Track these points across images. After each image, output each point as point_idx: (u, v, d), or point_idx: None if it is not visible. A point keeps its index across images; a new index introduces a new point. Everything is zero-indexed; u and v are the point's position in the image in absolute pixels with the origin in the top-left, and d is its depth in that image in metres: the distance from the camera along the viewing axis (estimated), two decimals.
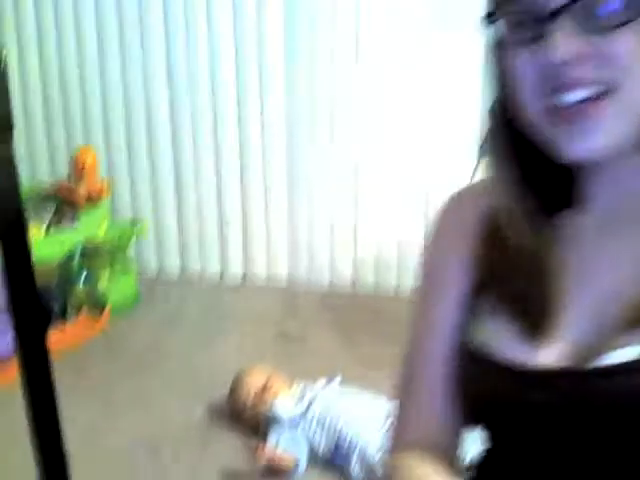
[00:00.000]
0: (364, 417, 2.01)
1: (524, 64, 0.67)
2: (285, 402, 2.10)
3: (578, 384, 0.70)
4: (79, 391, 2.35)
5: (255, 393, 2.16)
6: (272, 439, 2.00)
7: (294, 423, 2.04)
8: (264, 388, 2.16)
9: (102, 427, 2.19)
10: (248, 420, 2.14)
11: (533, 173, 0.77)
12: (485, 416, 0.79)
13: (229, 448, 2.08)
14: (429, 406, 0.84)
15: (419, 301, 0.87)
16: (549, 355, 0.72)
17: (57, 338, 2.62)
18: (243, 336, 2.71)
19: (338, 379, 2.17)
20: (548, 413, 0.72)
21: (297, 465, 1.96)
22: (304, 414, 2.05)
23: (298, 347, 2.61)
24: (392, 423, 0.88)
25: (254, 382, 2.19)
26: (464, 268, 0.81)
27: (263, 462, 1.94)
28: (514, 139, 0.76)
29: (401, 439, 0.86)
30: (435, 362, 0.83)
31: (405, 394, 0.87)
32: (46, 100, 3.16)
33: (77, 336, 2.69)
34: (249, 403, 2.15)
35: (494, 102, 0.75)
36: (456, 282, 0.82)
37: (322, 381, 2.16)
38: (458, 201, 0.86)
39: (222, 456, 2.05)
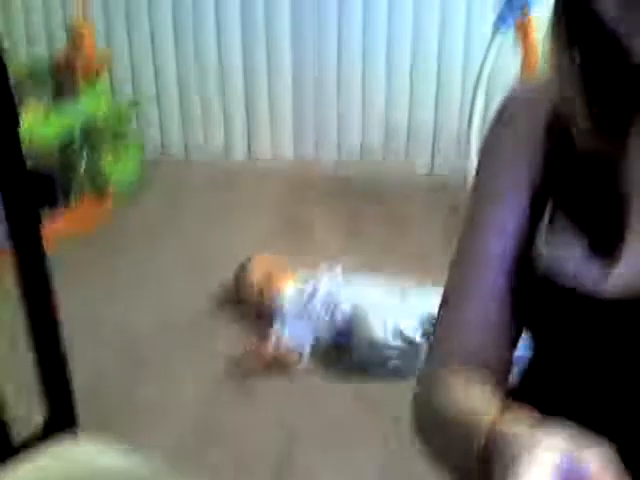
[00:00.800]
0: (369, 301, 2.00)
1: None
2: (289, 292, 2.09)
3: None
4: (82, 280, 2.34)
5: (259, 283, 2.15)
6: (277, 329, 2.00)
7: (299, 312, 2.03)
8: (268, 277, 2.15)
9: (106, 314, 2.19)
10: (253, 308, 2.14)
11: (606, 68, 0.65)
12: (540, 334, 0.73)
13: (234, 335, 2.09)
14: (484, 315, 0.75)
15: (478, 198, 0.78)
16: (618, 282, 0.64)
17: (61, 223, 2.59)
18: (248, 220, 2.67)
19: (339, 266, 2.15)
20: (611, 343, 0.66)
21: (301, 358, 1.96)
22: (308, 302, 2.04)
23: (304, 231, 2.58)
24: (436, 329, 0.80)
25: (258, 272, 2.17)
26: (528, 174, 0.71)
27: (267, 357, 1.95)
28: (586, 23, 0.64)
29: (447, 350, 0.77)
30: (494, 267, 0.74)
31: (456, 298, 0.77)
32: None
33: (81, 220, 2.65)
34: (253, 293, 2.14)
35: None
36: (519, 186, 0.72)
37: (323, 268, 2.14)
38: (523, 99, 0.75)
39: (227, 342, 2.06)
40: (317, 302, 2.03)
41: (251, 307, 2.14)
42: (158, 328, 2.12)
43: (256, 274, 2.17)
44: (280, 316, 2.03)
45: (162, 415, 1.82)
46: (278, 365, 1.96)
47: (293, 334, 1.99)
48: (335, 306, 2.01)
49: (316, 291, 2.05)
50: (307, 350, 1.98)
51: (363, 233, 2.55)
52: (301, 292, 2.07)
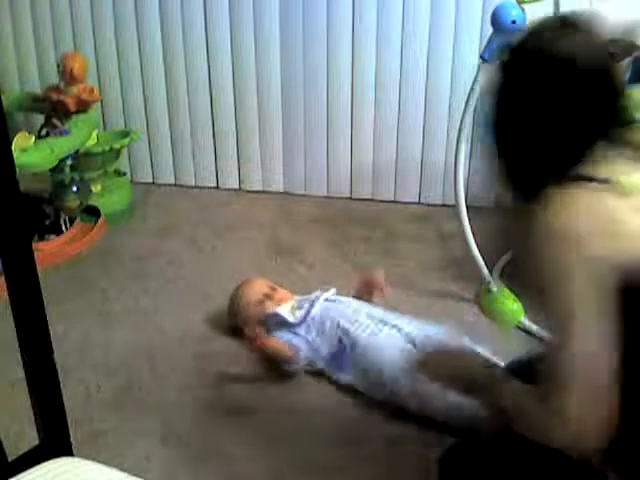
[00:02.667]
0: (362, 321, 2.01)
1: None
2: (285, 309, 2.10)
3: None
4: (74, 302, 2.36)
5: (255, 302, 2.15)
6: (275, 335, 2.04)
7: (294, 329, 2.04)
8: (265, 297, 2.16)
9: (98, 338, 2.20)
10: (248, 328, 2.14)
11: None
12: None
13: (227, 360, 2.09)
14: None
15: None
16: None
17: (51, 249, 2.61)
18: (238, 246, 2.69)
19: (333, 290, 2.16)
20: None
21: (298, 355, 1.97)
22: (303, 321, 2.05)
23: (294, 258, 2.60)
24: None
25: (254, 292, 2.18)
26: None
27: (263, 349, 1.97)
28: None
29: None
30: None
31: None
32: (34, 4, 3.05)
33: (72, 246, 2.67)
34: (249, 313, 2.15)
35: None
36: None
37: (317, 292, 2.15)
38: None
39: (220, 367, 2.06)
40: (312, 321, 2.04)
41: (246, 327, 2.14)
42: (149, 352, 2.13)
43: (252, 295, 2.17)
44: (276, 331, 2.05)
45: (155, 437, 1.82)
46: (275, 358, 1.99)
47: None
48: (330, 324, 2.01)
49: (310, 311, 2.06)
50: (303, 362, 1.99)
51: (352, 260, 2.57)
52: (295, 311, 2.09)
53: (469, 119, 2.33)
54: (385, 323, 1.99)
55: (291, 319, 2.06)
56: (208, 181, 3.17)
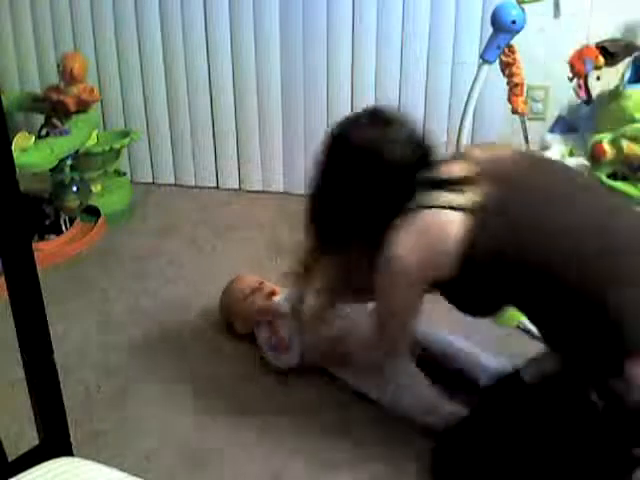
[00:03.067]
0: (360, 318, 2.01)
1: None
2: (279, 300, 2.12)
3: None
4: (74, 302, 2.36)
5: (244, 296, 2.16)
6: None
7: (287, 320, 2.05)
8: (254, 290, 2.16)
9: (98, 338, 2.21)
10: (238, 323, 2.15)
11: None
12: None
13: (225, 356, 2.09)
14: None
15: None
16: None
17: (51, 249, 2.61)
18: (238, 246, 2.69)
19: None
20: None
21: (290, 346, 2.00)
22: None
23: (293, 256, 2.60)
24: None
25: (243, 286, 2.19)
26: None
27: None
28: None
29: None
30: None
31: None
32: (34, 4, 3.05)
33: (72, 246, 2.67)
34: (239, 306, 2.15)
35: None
36: None
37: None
38: None
39: (219, 364, 2.06)
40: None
41: (236, 323, 2.15)
42: (149, 351, 2.13)
43: (242, 287, 2.19)
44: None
45: (155, 437, 1.82)
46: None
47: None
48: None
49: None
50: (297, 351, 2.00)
51: None
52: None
53: (469, 119, 2.34)
54: None
55: (285, 310, 2.07)
56: (208, 181, 3.17)
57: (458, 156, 1.67)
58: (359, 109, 2.83)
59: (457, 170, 1.57)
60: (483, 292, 1.54)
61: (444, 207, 1.50)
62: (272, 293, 2.17)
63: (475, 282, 1.52)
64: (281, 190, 3.11)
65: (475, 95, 2.29)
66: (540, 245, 1.45)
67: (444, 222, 1.49)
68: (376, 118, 1.62)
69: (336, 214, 1.66)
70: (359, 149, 1.59)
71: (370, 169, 1.57)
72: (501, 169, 1.55)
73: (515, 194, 1.51)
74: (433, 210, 1.51)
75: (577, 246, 1.44)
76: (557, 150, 2.40)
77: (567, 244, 1.44)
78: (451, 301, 1.62)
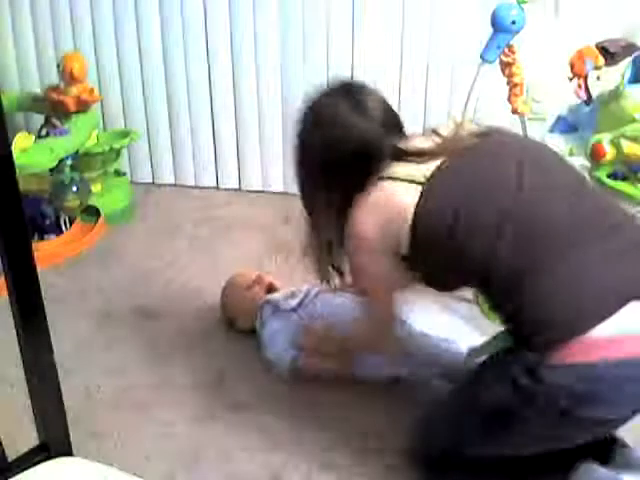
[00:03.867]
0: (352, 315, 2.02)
1: None
2: (277, 297, 2.13)
3: None
4: (74, 302, 2.36)
5: (244, 288, 2.18)
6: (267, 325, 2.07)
7: (288, 315, 2.07)
8: (253, 282, 2.19)
9: (98, 338, 2.21)
10: (240, 319, 2.16)
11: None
12: None
13: (226, 357, 2.09)
14: None
15: None
16: None
17: (51, 249, 2.61)
18: (238, 245, 2.69)
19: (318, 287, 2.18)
20: None
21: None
22: (297, 308, 2.08)
23: (293, 257, 2.60)
24: None
25: (242, 280, 2.21)
26: None
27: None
28: None
29: None
30: None
31: None
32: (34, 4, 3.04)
33: (72, 246, 2.67)
34: (239, 301, 2.17)
35: None
36: None
37: (308, 285, 2.17)
38: None
39: (219, 364, 2.07)
40: (305, 310, 2.06)
41: (238, 320, 2.17)
42: (149, 351, 2.13)
43: (241, 281, 2.22)
44: (269, 316, 2.08)
45: (155, 436, 1.83)
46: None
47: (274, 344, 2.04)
48: (321, 316, 2.04)
49: (303, 300, 2.08)
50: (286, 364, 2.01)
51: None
52: (288, 299, 2.10)
53: (469, 119, 2.34)
54: None
55: (285, 306, 2.08)
56: (208, 181, 3.17)
57: (427, 132, 1.71)
58: None
59: (420, 144, 1.63)
60: (432, 266, 1.60)
61: (403, 180, 1.56)
62: (270, 286, 2.20)
63: (422, 255, 1.58)
64: (281, 190, 3.11)
65: (475, 95, 2.29)
66: (468, 224, 1.50)
67: (398, 194, 1.56)
68: (346, 89, 1.67)
69: (309, 182, 1.74)
70: (329, 119, 1.63)
71: (339, 139, 1.61)
72: (455, 145, 1.61)
73: (455, 167, 1.57)
74: (391, 182, 1.58)
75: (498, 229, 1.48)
76: (557, 150, 2.40)
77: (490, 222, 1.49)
78: (418, 275, 1.66)
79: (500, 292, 1.50)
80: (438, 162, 1.56)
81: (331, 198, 1.66)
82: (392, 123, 1.66)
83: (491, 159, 1.59)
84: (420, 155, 1.59)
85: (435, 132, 1.68)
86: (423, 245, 1.55)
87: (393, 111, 1.69)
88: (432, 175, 1.55)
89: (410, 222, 1.53)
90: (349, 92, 1.66)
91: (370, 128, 1.61)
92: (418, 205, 1.53)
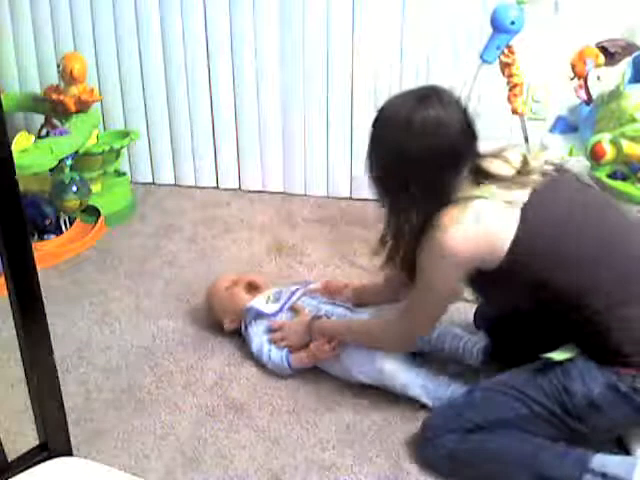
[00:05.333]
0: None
1: None
2: (260, 301, 2.12)
3: None
4: (74, 302, 2.36)
5: (224, 290, 2.18)
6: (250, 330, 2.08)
7: (270, 320, 2.07)
8: (232, 283, 2.19)
9: (98, 338, 2.21)
10: (226, 320, 2.16)
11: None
12: None
13: (228, 358, 2.10)
14: None
15: None
16: None
17: (51, 249, 2.61)
18: (237, 246, 2.69)
19: (313, 284, 2.19)
20: None
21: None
22: (279, 312, 2.08)
23: (292, 257, 2.60)
24: None
25: (222, 282, 2.22)
26: None
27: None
28: None
29: None
30: None
31: None
32: (34, 4, 3.04)
33: (72, 246, 2.67)
34: (222, 302, 2.17)
35: None
36: None
37: (297, 285, 2.17)
38: None
39: (217, 365, 2.07)
40: (287, 315, 2.06)
41: (225, 320, 2.17)
42: (148, 351, 2.13)
43: (220, 283, 2.22)
44: (251, 321, 2.09)
45: (155, 437, 1.83)
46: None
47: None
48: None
49: (286, 304, 2.08)
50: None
51: (351, 260, 2.57)
52: (275, 300, 2.11)
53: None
54: None
55: (267, 310, 2.08)
56: (208, 181, 3.17)
57: (498, 153, 1.72)
58: (359, 109, 2.90)
59: (503, 167, 1.66)
60: (510, 287, 1.65)
61: (500, 201, 1.59)
62: (250, 284, 2.20)
63: (507, 277, 1.61)
64: (281, 190, 3.11)
65: (474, 95, 2.29)
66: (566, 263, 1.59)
67: (501, 217, 1.59)
68: (432, 98, 1.64)
69: (387, 187, 1.71)
70: (415, 128, 1.60)
71: (424, 150, 1.60)
72: (533, 178, 1.64)
73: (550, 197, 1.63)
74: (491, 202, 1.59)
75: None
76: (557, 150, 2.40)
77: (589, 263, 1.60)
78: (475, 285, 1.72)
79: (584, 315, 1.58)
80: (523, 188, 1.61)
81: (415, 202, 1.65)
82: (473, 137, 1.68)
83: (580, 196, 1.69)
84: (500, 180, 1.62)
85: (504, 157, 1.70)
86: (515, 266, 1.59)
87: (473, 123, 1.68)
88: (530, 201, 1.59)
89: (509, 244, 1.57)
90: (435, 100, 1.63)
91: (457, 140, 1.62)
92: (518, 229, 1.57)
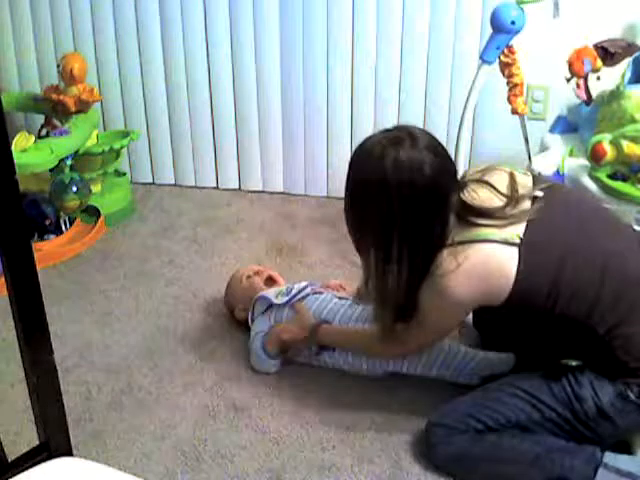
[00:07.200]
0: (346, 315, 2.04)
1: None
2: (271, 292, 2.14)
3: None
4: (74, 302, 2.36)
5: (244, 277, 2.22)
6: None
7: (277, 310, 2.09)
8: (254, 273, 2.23)
9: (98, 338, 2.21)
10: (237, 309, 2.19)
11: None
12: None
13: (228, 358, 2.09)
14: None
15: None
16: None
17: (51, 249, 2.61)
18: (238, 245, 2.69)
19: (319, 283, 2.20)
20: None
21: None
22: (287, 303, 2.09)
23: (293, 257, 2.61)
24: None
25: (245, 270, 2.26)
26: None
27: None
28: None
29: None
30: None
31: None
32: (34, 4, 3.04)
33: (72, 246, 2.67)
34: (239, 288, 2.21)
35: None
36: None
37: (306, 282, 2.18)
38: None
39: (218, 366, 2.06)
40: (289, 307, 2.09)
41: (236, 309, 2.20)
42: (148, 351, 2.13)
43: (243, 271, 2.26)
44: (260, 313, 2.11)
45: (155, 437, 1.83)
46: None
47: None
48: (314, 312, 2.05)
49: (295, 296, 2.10)
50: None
51: (352, 260, 2.57)
52: (282, 295, 2.12)
53: (469, 119, 2.34)
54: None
55: (276, 300, 2.10)
56: (208, 181, 3.17)
57: (483, 179, 1.68)
58: (358, 109, 2.90)
59: (490, 199, 1.63)
60: (514, 318, 1.67)
61: (498, 242, 1.57)
62: (270, 277, 2.23)
63: (510, 311, 1.62)
64: (281, 190, 3.12)
65: (474, 96, 2.29)
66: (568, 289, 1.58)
67: (502, 258, 1.57)
68: (405, 138, 1.58)
69: (363, 230, 1.68)
70: (392, 173, 1.55)
71: (406, 194, 1.56)
72: (524, 208, 1.63)
73: (545, 228, 1.62)
74: (491, 245, 1.58)
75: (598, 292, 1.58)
76: (557, 150, 2.40)
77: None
78: (479, 317, 1.86)
79: (589, 337, 1.60)
80: (517, 225, 1.59)
81: (404, 252, 1.61)
82: (453, 171, 1.65)
83: (573, 221, 1.66)
84: (490, 214, 1.60)
85: (489, 185, 1.66)
86: (518, 302, 1.59)
87: (449, 157, 1.64)
88: (526, 238, 1.58)
89: (511, 285, 1.56)
90: (410, 141, 1.57)
91: (438, 180, 1.58)
92: (519, 268, 1.56)
